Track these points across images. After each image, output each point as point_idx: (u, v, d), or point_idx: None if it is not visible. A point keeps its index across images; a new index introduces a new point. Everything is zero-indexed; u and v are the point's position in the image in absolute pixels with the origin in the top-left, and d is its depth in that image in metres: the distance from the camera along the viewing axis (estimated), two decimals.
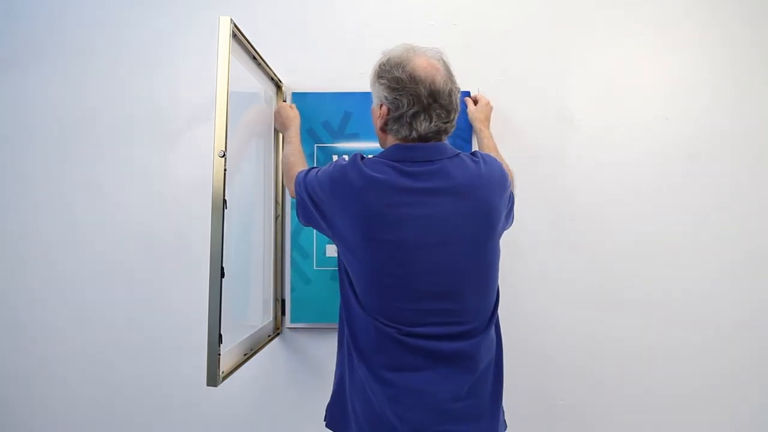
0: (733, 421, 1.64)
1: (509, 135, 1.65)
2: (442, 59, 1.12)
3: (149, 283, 1.65)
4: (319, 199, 1.15)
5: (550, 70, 1.68)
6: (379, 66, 1.13)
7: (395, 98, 1.08)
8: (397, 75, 1.08)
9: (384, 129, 1.14)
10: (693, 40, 1.68)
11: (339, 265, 1.19)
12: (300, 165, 1.39)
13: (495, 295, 1.16)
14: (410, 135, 1.10)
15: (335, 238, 1.15)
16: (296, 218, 1.60)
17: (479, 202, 1.10)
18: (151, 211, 1.66)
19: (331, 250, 1.63)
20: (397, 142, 1.13)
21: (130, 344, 1.66)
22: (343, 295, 1.17)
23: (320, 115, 1.64)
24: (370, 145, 1.63)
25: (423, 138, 1.10)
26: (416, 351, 1.08)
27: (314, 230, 1.62)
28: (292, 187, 1.28)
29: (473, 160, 1.13)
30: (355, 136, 1.64)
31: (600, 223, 1.65)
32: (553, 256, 1.65)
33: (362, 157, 1.13)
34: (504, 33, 1.68)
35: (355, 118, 1.64)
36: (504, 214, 1.16)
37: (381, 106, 1.13)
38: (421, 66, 1.08)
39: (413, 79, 1.07)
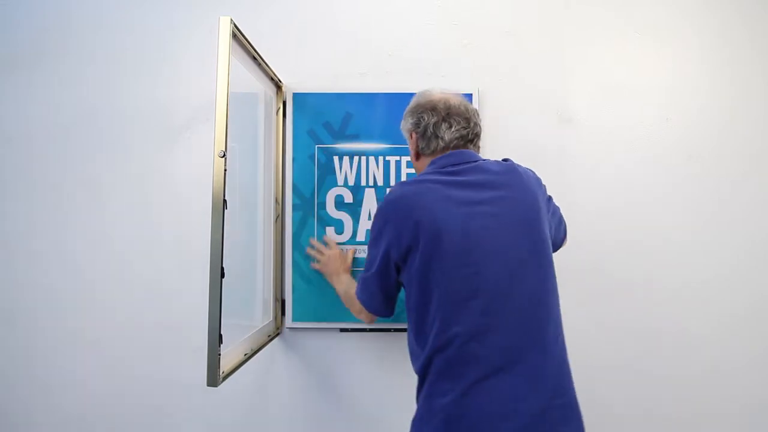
0: (736, 420, 1.64)
1: (509, 135, 1.66)
2: (459, 96, 1.29)
3: (149, 283, 1.65)
4: (387, 245, 1.18)
5: (550, 70, 1.68)
6: (404, 112, 1.31)
7: (418, 118, 1.25)
8: (415, 105, 1.28)
9: (418, 155, 1.28)
10: (693, 41, 1.68)
11: (408, 310, 1.20)
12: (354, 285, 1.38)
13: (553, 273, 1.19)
14: (438, 145, 1.23)
15: (408, 261, 1.15)
16: (297, 221, 1.62)
17: (522, 188, 1.19)
18: (151, 211, 1.66)
19: None
20: (431, 159, 1.25)
21: (130, 344, 1.65)
22: (416, 335, 1.17)
23: (321, 115, 1.64)
24: (371, 146, 1.64)
25: (451, 147, 1.23)
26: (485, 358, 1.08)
27: (315, 231, 1.63)
28: (362, 306, 1.30)
29: (498, 161, 1.26)
30: (355, 137, 1.64)
31: (600, 222, 1.65)
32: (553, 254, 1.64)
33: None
34: (504, 33, 1.68)
35: (355, 119, 1.64)
36: (540, 198, 1.21)
37: (411, 135, 1.28)
38: (436, 95, 1.27)
39: (430, 101, 1.26)
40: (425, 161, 1.26)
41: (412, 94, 1.60)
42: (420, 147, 1.26)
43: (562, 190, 1.64)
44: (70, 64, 1.69)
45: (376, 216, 1.23)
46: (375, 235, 1.22)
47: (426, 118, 1.24)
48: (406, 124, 1.30)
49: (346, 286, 1.46)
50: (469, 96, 1.63)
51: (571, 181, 1.66)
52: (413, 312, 1.16)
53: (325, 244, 1.61)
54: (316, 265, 1.59)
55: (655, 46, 1.68)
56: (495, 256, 1.11)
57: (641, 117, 1.67)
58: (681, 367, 1.64)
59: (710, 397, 1.64)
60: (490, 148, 1.62)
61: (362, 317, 1.35)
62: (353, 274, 1.57)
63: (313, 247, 1.61)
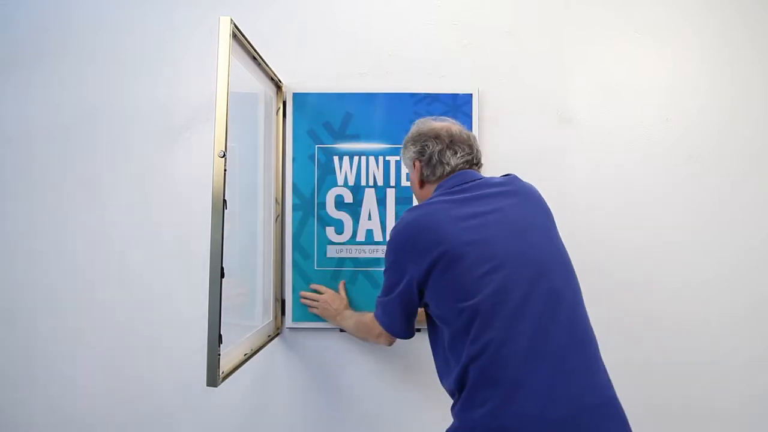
0: (736, 420, 1.64)
1: (509, 135, 1.66)
2: (457, 123, 1.31)
3: (149, 283, 1.65)
4: (406, 270, 1.17)
5: (550, 70, 1.68)
6: (404, 141, 1.33)
7: (422, 146, 1.26)
8: (416, 133, 1.29)
9: (422, 183, 1.29)
10: (693, 41, 1.68)
11: (433, 336, 1.22)
12: (368, 314, 1.37)
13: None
14: (444, 170, 1.25)
15: (430, 280, 1.15)
16: (297, 221, 1.62)
17: (527, 195, 1.23)
18: (151, 211, 1.66)
19: (332, 251, 1.63)
20: (437, 184, 1.25)
21: (130, 344, 1.65)
22: (447, 352, 1.16)
23: (321, 115, 1.64)
24: (371, 146, 1.64)
25: (457, 170, 1.25)
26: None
27: (315, 231, 1.63)
28: (382, 328, 1.29)
29: (501, 176, 1.28)
30: (355, 137, 1.64)
31: (600, 222, 1.65)
32: None
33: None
34: (504, 33, 1.68)
35: (355, 119, 1.64)
36: (546, 203, 1.26)
37: (414, 163, 1.29)
38: (437, 123, 1.30)
39: (432, 129, 1.28)
40: (430, 188, 1.27)
41: (412, 94, 1.63)
42: (425, 175, 1.27)
43: (562, 190, 1.65)
44: (70, 64, 1.69)
45: (390, 243, 1.22)
46: (392, 261, 1.21)
47: (431, 146, 1.25)
48: (408, 153, 1.30)
49: (355, 318, 1.47)
50: (469, 96, 1.63)
51: (571, 181, 1.66)
52: (444, 327, 1.15)
53: (315, 291, 1.62)
54: (315, 311, 1.60)
55: (655, 46, 1.68)
56: (515, 261, 1.10)
57: (641, 117, 1.67)
58: (681, 367, 1.64)
59: (710, 397, 1.64)
60: (491, 148, 1.62)
61: (381, 341, 1.34)
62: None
63: (305, 297, 1.62)
